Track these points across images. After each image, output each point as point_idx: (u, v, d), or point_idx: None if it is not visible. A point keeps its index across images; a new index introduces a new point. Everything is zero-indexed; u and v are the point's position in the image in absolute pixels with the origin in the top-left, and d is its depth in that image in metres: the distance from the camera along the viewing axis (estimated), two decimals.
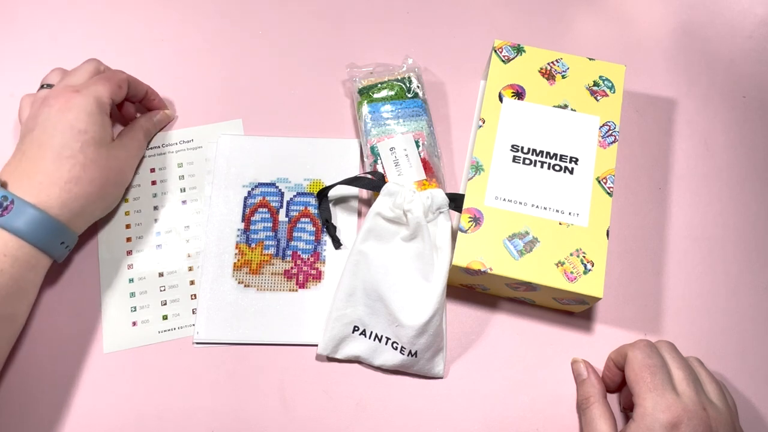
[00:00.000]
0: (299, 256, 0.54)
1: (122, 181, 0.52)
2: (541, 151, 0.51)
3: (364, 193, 0.56)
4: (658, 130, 0.60)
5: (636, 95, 0.61)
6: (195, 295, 0.53)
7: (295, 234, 0.55)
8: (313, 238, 0.55)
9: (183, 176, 0.57)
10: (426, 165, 0.54)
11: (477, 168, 0.50)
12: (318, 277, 0.53)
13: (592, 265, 0.47)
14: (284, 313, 0.52)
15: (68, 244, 0.48)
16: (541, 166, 0.50)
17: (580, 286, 0.46)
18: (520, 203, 0.49)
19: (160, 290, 0.53)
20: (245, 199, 0.56)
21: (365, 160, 0.56)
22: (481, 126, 0.52)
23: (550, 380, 0.50)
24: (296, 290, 0.53)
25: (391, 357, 0.49)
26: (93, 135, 0.48)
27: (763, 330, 0.53)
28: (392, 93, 0.57)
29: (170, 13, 0.64)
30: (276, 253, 0.54)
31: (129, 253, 0.54)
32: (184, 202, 0.56)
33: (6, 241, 0.44)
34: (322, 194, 0.54)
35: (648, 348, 0.45)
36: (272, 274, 0.53)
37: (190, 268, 0.54)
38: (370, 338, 0.50)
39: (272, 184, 0.56)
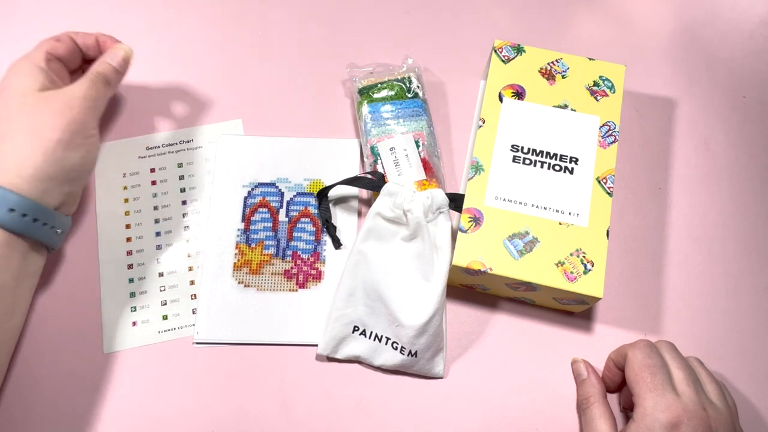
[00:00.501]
0: (299, 256, 0.54)
1: (74, 127, 0.44)
2: (541, 151, 0.51)
3: (364, 193, 0.56)
4: (658, 130, 0.60)
5: (636, 95, 0.61)
6: (195, 295, 0.53)
7: (295, 234, 0.55)
8: (313, 238, 0.55)
9: (183, 176, 0.57)
10: (426, 165, 0.54)
11: (477, 168, 0.50)
12: (318, 277, 0.53)
13: (592, 265, 0.47)
14: (284, 313, 0.52)
15: (47, 222, 0.43)
16: (541, 166, 0.50)
17: (580, 286, 0.46)
18: (520, 203, 0.49)
19: (160, 290, 0.53)
20: (245, 199, 0.56)
21: (365, 160, 0.56)
22: (481, 126, 0.52)
23: (550, 380, 0.50)
24: (296, 290, 0.53)
25: (391, 357, 0.49)
26: (15, 86, 0.44)
27: (763, 330, 0.53)
28: (392, 93, 0.57)
29: (170, 13, 0.64)
30: (276, 253, 0.54)
31: (129, 253, 0.54)
32: (184, 202, 0.56)
33: None
34: (322, 194, 0.54)
35: (648, 348, 0.45)
36: (272, 274, 0.53)
37: (190, 268, 0.54)
38: (370, 338, 0.50)
39: (272, 184, 0.56)
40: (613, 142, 0.51)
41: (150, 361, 0.51)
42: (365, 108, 0.56)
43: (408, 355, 0.48)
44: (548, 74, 0.54)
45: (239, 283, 0.53)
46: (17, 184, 0.42)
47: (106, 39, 0.51)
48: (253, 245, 0.54)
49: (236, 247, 0.54)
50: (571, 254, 0.47)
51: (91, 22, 0.63)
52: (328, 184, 0.55)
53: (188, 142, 0.58)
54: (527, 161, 0.50)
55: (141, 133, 0.58)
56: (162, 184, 0.56)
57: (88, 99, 0.46)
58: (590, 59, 0.54)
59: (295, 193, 0.56)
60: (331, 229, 0.54)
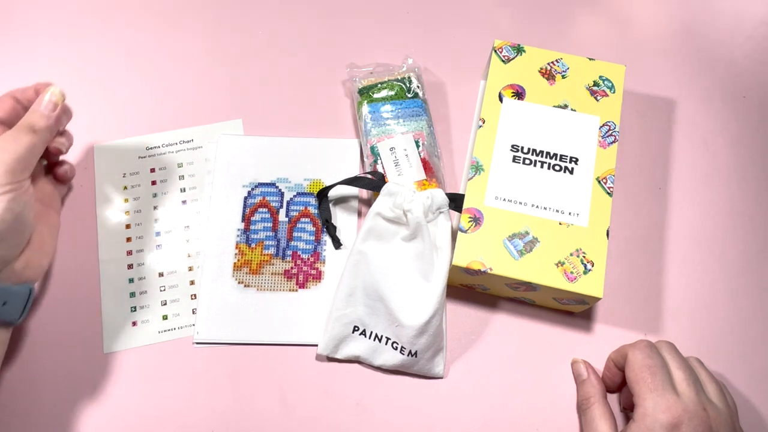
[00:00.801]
0: (299, 256, 0.54)
1: None
2: (541, 151, 0.51)
3: (364, 193, 0.56)
4: (658, 130, 0.60)
5: (636, 95, 0.61)
6: (195, 295, 0.53)
7: (295, 234, 0.55)
8: (313, 238, 0.55)
9: (183, 176, 0.57)
10: (426, 165, 0.54)
11: (477, 168, 0.50)
12: (318, 277, 0.53)
13: (592, 265, 0.47)
14: (284, 313, 0.52)
15: None
16: (541, 166, 0.50)
17: (580, 286, 0.46)
18: (520, 203, 0.49)
19: (160, 290, 0.53)
20: (245, 199, 0.56)
21: (365, 160, 0.56)
22: (481, 126, 0.52)
23: (550, 380, 0.50)
24: (296, 290, 0.53)
25: (391, 357, 0.49)
26: None
27: (763, 330, 0.53)
28: (392, 93, 0.57)
29: (170, 13, 0.64)
30: (276, 253, 0.54)
31: (129, 253, 0.54)
32: (184, 202, 0.56)
33: None
34: (322, 194, 0.54)
35: (648, 348, 0.45)
36: (272, 274, 0.53)
37: (190, 268, 0.54)
38: (370, 338, 0.50)
39: (272, 184, 0.56)
40: (613, 142, 0.51)
41: (150, 361, 0.51)
42: (365, 108, 0.56)
43: (408, 355, 0.48)
44: (548, 74, 0.53)
45: (239, 283, 0.53)
46: None
47: (41, 86, 0.48)
48: (253, 245, 0.54)
49: (236, 247, 0.54)
50: (571, 254, 0.47)
51: (90, 23, 0.63)
52: (328, 184, 0.55)
53: (188, 142, 0.58)
54: (527, 161, 0.50)
55: (141, 133, 0.58)
56: (162, 184, 0.56)
57: (3, 152, 0.42)
58: (590, 59, 0.54)
59: (295, 193, 0.56)
60: (331, 229, 0.54)
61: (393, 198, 0.50)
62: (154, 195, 0.56)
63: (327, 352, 0.50)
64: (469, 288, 0.53)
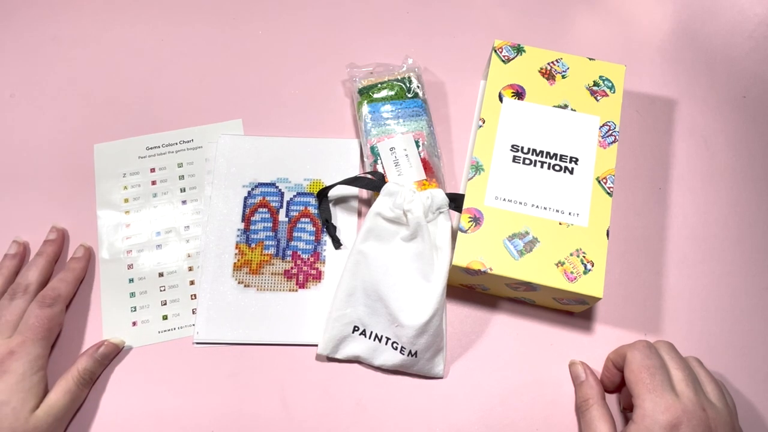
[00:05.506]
0: (299, 256, 0.54)
1: None
2: (541, 151, 0.51)
3: (364, 193, 0.56)
4: (658, 130, 0.60)
5: (636, 95, 0.61)
6: (195, 295, 0.53)
7: (295, 234, 0.55)
8: (313, 238, 0.55)
9: (183, 176, 0.57)
10: (426, 165, 0.54)
11: (477, 168, 0.50)
12: (318, 277, 0.53)
13: (592, 265, 0.47)
14: (284, 313, 0.52)
15: None
16: (541, 166, 0.50)
17: (580, 286, 0.46)
18: (520, 203, 0.49)
19: (160, 290, 0.53)
20: (245, 199, 0.56)
21: (365, 160, 0.56)
22: (481, 126, 0.52)
23: (550, 380, 0.50)
24: (296, 290, 0.53)
25: (391, 357, 0.49)
26: (14, 406, 0.43)
27: (763, 330, 0.53)
28: (392, 93, 0.57)
29: (170, 13, 0.64)
30: (276, 253, 0.54)
31: (129, 252, 0.54)
32: (184, 202, 0.56)
33: None
34: (322, 194, 0.54)
35: (647, 349, 0.45)
36: (272, 274, 0.53)
37: (190, 268, 0.54)
38: (370, 338, 0.50)
39: (272, 184, 0.56)
40: (613, 142, 0.51)
41: (150, 361, 0.51)
42: (365, 108, 0.56)
43: (408, 355, 0.48)
44: (548, 74, 0.53)
45: (239, 283, 0.53)
46: None
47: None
48: (253, 245, 0.54)
49: (236, 247, 0.54)
50: (571, 254, 0.47)
51: (90, 22, 0.63)
52: (328, 184, 0.55)
53: (188, 142, 0.58)
54: (527, 161, 0.50)
55: (141, 133, 0.58)
56: (162, 184, 0.56)
57: (68, 414, 0.47)
58: (590, 59, 0.54)
59: (295, 193, 0.56)
60: (331, 229, 0.54)
61: (393, 198, 0.50)
62: (154, 195, 0.56)
63: (327, 352, 0.50)
64: (469, 288, 0.53)
